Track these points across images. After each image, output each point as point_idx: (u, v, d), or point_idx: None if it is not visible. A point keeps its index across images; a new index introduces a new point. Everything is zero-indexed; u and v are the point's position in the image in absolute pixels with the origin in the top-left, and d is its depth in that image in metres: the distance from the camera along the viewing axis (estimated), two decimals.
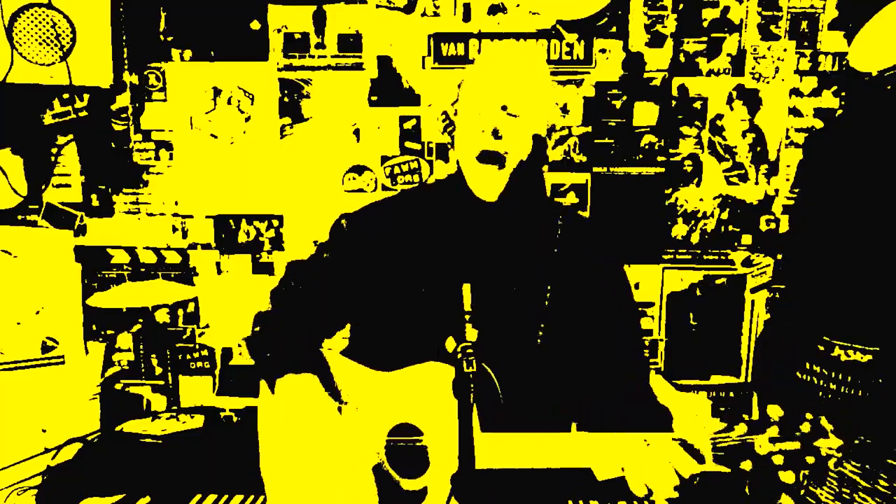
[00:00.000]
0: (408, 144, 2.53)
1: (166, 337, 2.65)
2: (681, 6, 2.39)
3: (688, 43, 2.41)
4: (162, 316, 2.64)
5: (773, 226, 2.47)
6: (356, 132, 2.54)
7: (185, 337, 2.65)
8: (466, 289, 1.13)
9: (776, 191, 2.46)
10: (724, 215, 2.48)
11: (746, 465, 1.14)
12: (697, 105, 2.44)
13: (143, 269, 2.62)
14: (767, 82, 2.41)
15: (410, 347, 1.33)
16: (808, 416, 1.14)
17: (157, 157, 2.58)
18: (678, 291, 2.52)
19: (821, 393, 2.17)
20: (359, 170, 2.55)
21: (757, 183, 2.46)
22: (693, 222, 2.49)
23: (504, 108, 1.34)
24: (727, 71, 2.41)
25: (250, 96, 2.54)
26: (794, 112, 2.41)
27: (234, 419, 2.62)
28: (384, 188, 2.55)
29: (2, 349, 2.57)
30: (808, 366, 2.23)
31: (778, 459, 1.12)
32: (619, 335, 1.46)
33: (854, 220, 2.27)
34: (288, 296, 1.51)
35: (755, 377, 2.52)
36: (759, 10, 2.37)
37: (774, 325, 2.49)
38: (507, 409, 1.28)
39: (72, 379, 2.62)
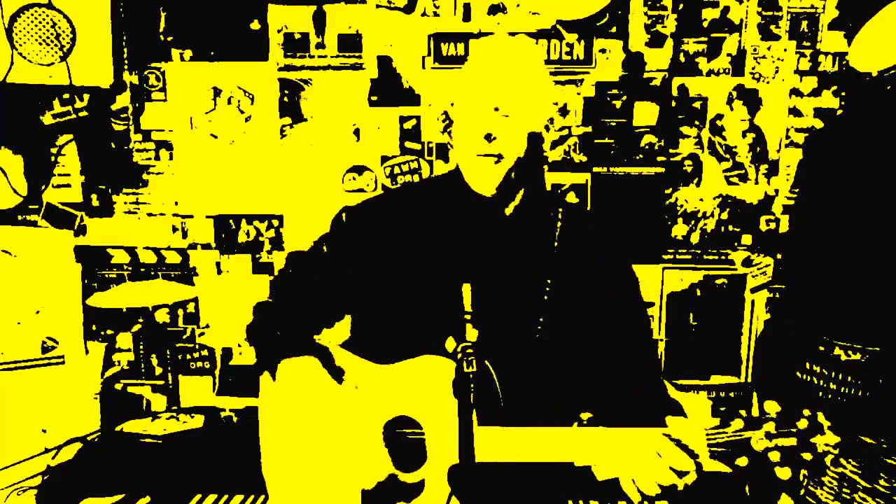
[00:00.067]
0: (408, 144, 2.53)
1: (166, 337, 2.65)
2: (681, 6, 2.39)
3: (688, 43, 2.41)
4: (162, 316, 2.64)
5: (773, 226, 2.47)
6: (356, 132, 2.54)
7: (185, 337, 2.64)
8: (466, 289, 1.13)
9: (776, 191, 2.46)
10: (724, 215, 2.48)
11: (742, 462, 1.14)
12: (697, 105, 2.44)
13: (143, 269, 2.62)
14: (767, 82, 2.41)
15: (409, 342, 1.34)
16: (806, 412, 1.14)
17: (157, 157, 2.58)
18: (678, 291, 2.52)
19: (821, 393, 2.17)
20: (359, 170, 2.56)
21: (757, 183, 2.46)
22: (693, 222, 2.49)
23: (496, 109, 1.33)
24: (727, 71, 2.41)
25: (250, 96, 2.54)
26: (794, 112, 2.41)
27: (234, 419, 2.62)
28: (384, 188, 2.55)
29: (2, 349, 2.57)
30: (808, 366, 2.23)
31: (774, 456, 1.12)
32: (629, 329, 1.46)
33: (854, 220, 2.27)
34: (287, 286, 1.53)
35: (755, 377, 2.52)
36: (759, 10, 2.37)
37: (774, 325, 2.49)
38: (507, 405, 1.28)
39: (72, 379, 2.62)
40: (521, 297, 1.40)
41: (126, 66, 2.54)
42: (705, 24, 2.40)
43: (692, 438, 1.17)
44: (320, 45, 2.50)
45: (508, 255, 1.42)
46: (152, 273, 2.61)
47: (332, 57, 2.50)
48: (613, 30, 2.42)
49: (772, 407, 1.16)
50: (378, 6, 2.46)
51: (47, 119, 2.54)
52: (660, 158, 2.47)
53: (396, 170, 2.54)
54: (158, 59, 2.53)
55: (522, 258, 1.42)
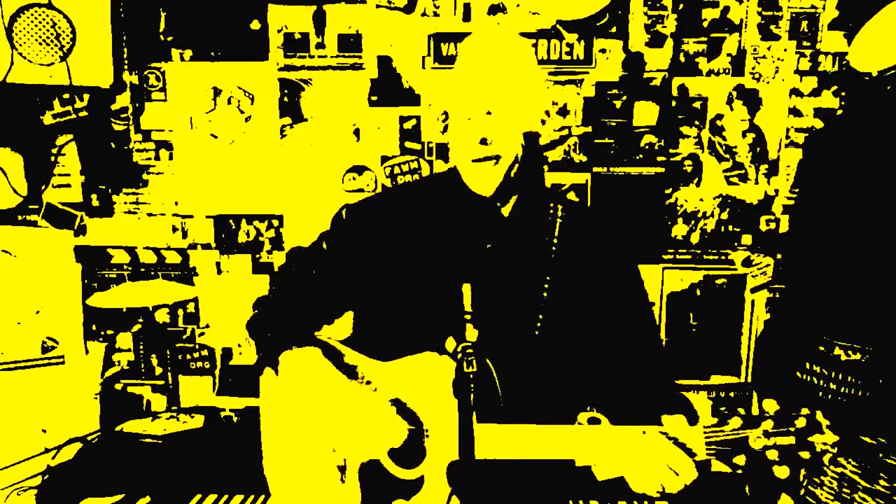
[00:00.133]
0: (408, 144, 2.53)
1: (166, 337, 2.65)
2: (681, 6, 2.39)
3: (688, 43, 2.41)
4: (162, 316, 2.64)
5: (773, 226, 2.47)
6: (356, 132, 2.54)
7: (185, 337, 2.64)
8: (466, 289, 1.13)
9: (776, 191, 2.46)
10: (724, 215, 2.48)
11: (740, 460, 1.14)
12: (697, 105, 2.44)
13: (143, 269, 2.62)
14: (767, 82, 2.41)
15: (409, 340, 1.34)
16: (804, 410, 1.13)
17: (157, 157, 2.58)
18: (678, 291, 2.52)
19: (821, 393, 2.17)
20: (359, 170, 2.56)
21: (757, 183, 2.46)
22: (693, 222, 2.49)
23: (489, 113, 1.32)
24: (727, 71, 2.41)
25: (250, 96, 2.54)
26: (794, 112, 2.41)
27: (234, 419, 2.62)
28: (384, 188, 2.55)
29: (2, 349, 2.57)
30: (808, 366, 2.23)
31: (773, 454, 1.12)
32: (635, 328, 1.46)
33: (854, 220, 2.27)
34: (288, 281, 1.53)
35: (755, 377, 2.52)
36: (759, 10, 2.37)
37: (774, 325, 2.49)
38: (507, 404, 1.28)
39: (72, 379, 2.62)
40: (519, 296, 1.40)
41: (126, 66, 2.54)
42: (705, 24, 2.40)
43: (690, 437, 1.17)
44: (320, 45, 2.50)
45: (508, 254, 1.42)
46: (152, 273, 2.61)
47: (332, 57, 2.50)
48: (613, 30, 2.42)
49: (770, 405, 1.16)
50: (378, 6, 2.46)
51: (47, 119, 2.54)
52: (660, 158, 2.47)
53: (396, 170, 2.54)
54: (158, 59, 2.53)
55: (522, 257, 1.42)
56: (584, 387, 1.45)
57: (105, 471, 2.06)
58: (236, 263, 2.61)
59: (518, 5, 2.42)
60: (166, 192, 2.60)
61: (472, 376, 1.07)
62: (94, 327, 2.65)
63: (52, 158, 2.57)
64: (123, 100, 2.56)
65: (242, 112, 2.55)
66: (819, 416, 1.12)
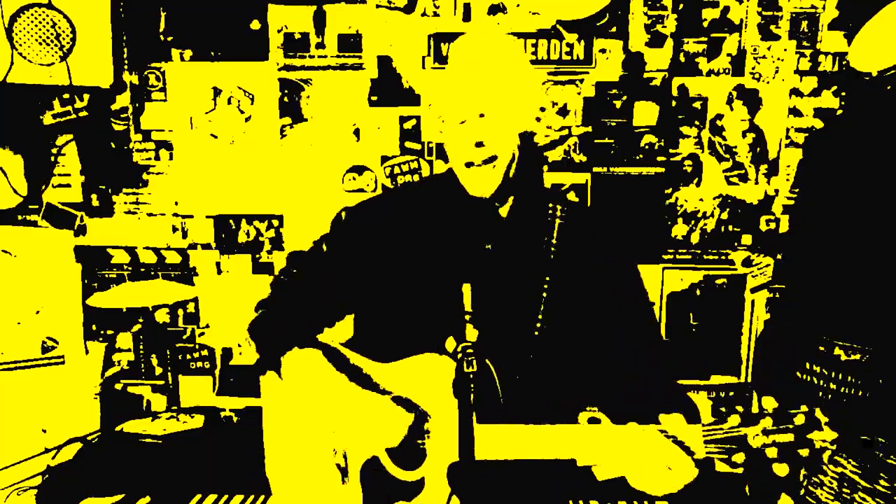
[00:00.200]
0: (408, 144, 2.53)
1: (166, 337, 2.65)
2: (681, 6, 2.39)
3: (688, 43, 2.41)
4: (162, 316, 2.64)
5: (773, 226, 2.47)
6: (356, 132, 2.54)
7: (185, 337, 2.64)
8: (466, 289, 1.13)
9: (776, 191, 2.46)
10: (724, 215, 2.48)
11: (739, 458, 1.14)
12: (697, 105, 2.44)
13: (143, 269, 2.62)
14: (767, 82, 2.41)
15: (410, 341, 1.34)
16: (803, 407, 1.13)
17: (157, 157, 2.58)
18: (678, 291, 2.52)
19: (821, 393, 2.17)
20: (359, 170, 2.56)
21: (757, 183, 2.46)
22: (693, 222, 2.49)
23: (482, 115, 1.32)
24: (727, 71, 2.41)
25: (250, 96, 2.54)
26: (794, 112, 2.41)
27: (234, 419, 2.62)
28: (384, 188, 2.55)
29: (2, 349, 2.57)
30: (808, 366, 2.23)
31: (771, 452, 1.12)
32: (637, 328, 1.46)
33: (854, 220, 2.27)
34: (288, 284, 1.53)
35: (755, 377, 2.52)
36: (759, 10, 2.37)
37: (774, 325, 2.49)
38: (507, 404, 1.28)
39: (72, 379, 2.62)
40: (519, 297, 1.40)
41: (126, 66, 2.54)
42: (705, 24, 2.40)
43: (688, 436, 1.17)
44: (320, 45, 2.50)
45: (507, 255, 1.42)
46: (152, 273, 2.61)
47: (332, 57, 2.50)
48: (613, 30, 2.42)
49: (769, 403, 1.16)
50: (378, 6, 2.46)
51: (47, 119, 2.54)
52: (660, 158, 2.47)
53: (396, 170, 2.54)
54: (158, 59, 2.53)
55: (521, 257, 1.42)
56: (584, 387, 1.45)
57: (105, 471, 2.06)
58: (236, 263, 2.61)
59: (518, 5, 2.42)
60: (166, 192, 2.60)
61: (472, 376, 1.07)
62: (94, 327, 2.65)
63: (52, 158, 2.57)
64: (123, 100, 2.56)
65: (242, 112, 2.55)
66: (818, 412, 1.12)
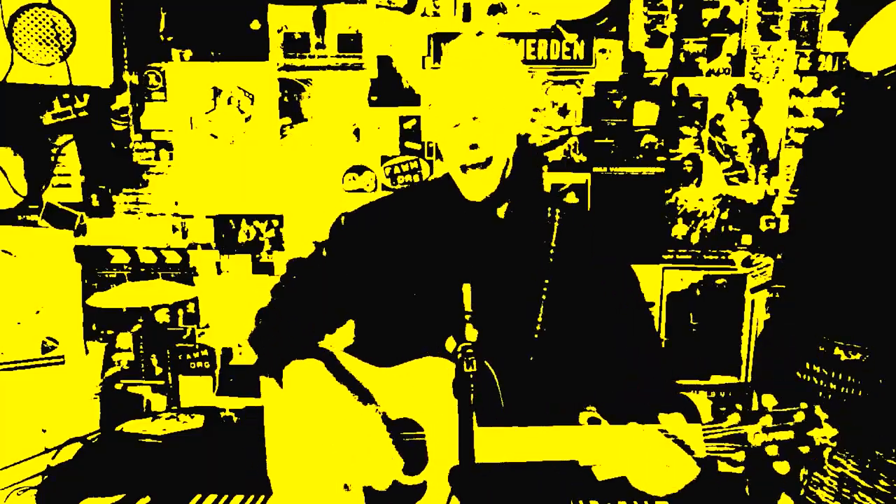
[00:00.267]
0: (408, 144, 2.53)
1: (166, 337, 2.65)
2: (681, 6, 2.39)
3: (688, 43, 2.41)
4: (162, 316, 2.64)
5: (773, 226, 2.47)
6: (356, 132, 2.54)
7: (185, 337, 2.64)
8: (466, 289, 1.13)
9: (776, 191, 2.46)
10: (724, 215, 2.48)
11: (739, 456, 1.14)
12: (697, 105, 2.44)
13: (143, 269, 2.62)
14: (767, 82, 2.41)
15: (410, 345, 1.34)
16: (803, 405, 1.13)
17: (157, 157, 2.58)
18: (678, 291, 2.52)
19: (821, 393, 2.17)
20: (359, 170, 2.56)
21: (757, 183, 2.46)
22: (693, 222, 2.49)
23: (475, 118, 1.32)
24: (727, 71, 2.41)
25: (250, 96, 2.54)
26: (794, 112, 2.41)
27: (234, 419, 2.62)
28: (384, 188, 2.55)
29: (2, 349, 2.57)
30: (808, 366, 2.23)
31: (772, 450, 1.12)
32: (633, 328, 1.46)
33: (854, 220, 2.27)
34: (288, 292, 1.53)
35: (755, 377, 2.52)
36: (759, 10, 2.37)
37: (774, 325, 2.49)
38: (507, 406, 1.28)
39: (72, 379, 2.62)
40: (517, 299, 1.39)
41: (126, 66, 2.54)
42: (705, 24, 2.40)
43: (688, 435, 1.17)
44: (320, 45, 2.50)
45: (504, 257, 1.42)
46: (152, 273, 2.61)
47: (332, 57, 2.50)
48: (613, 30, 2.42)
49: (769, 401, 1.16)
50: (378, 6, 2.46)
51: (47, 119, 2.54)
52: (660, 158, 2.47)
53: (396, 170, 2.54)
54: (158, 59, 2.53)
55: (518, 259, 1.42)
56: (583, 388, 1.45)
57: (105, 471, 2.06)
58: (236, 263, 2.61)
59: (518, 5, 2.42)
60: (166, 192, 2.60)
61: (471, 376, 1.07)
62: (94, 327, 2.65)
63: (52, 158, 2.57)
64: (123, 100, 2.56)
65: (242, 112, 2.55)
66: (818, 410, 1.12)
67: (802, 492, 1.86)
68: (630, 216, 2.50)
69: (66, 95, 2.53)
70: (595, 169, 2.49)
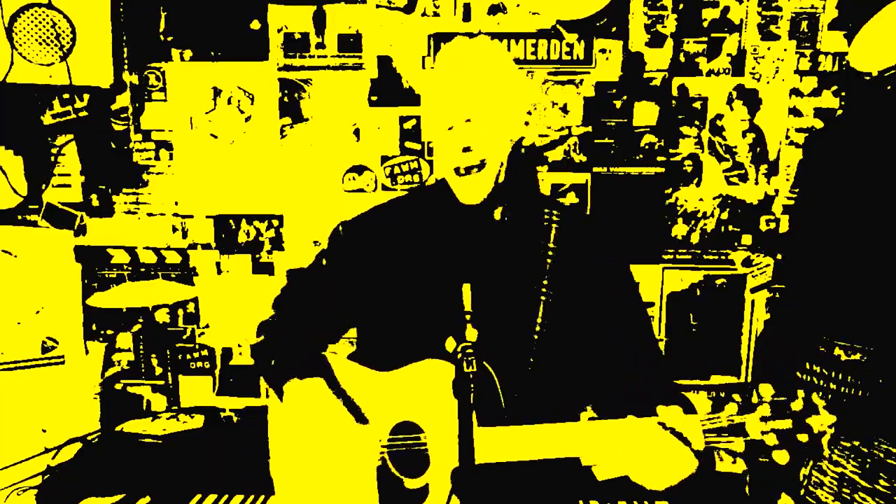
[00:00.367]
0: (408, 144, 2.53)
1: (166, 337, 2.65)
2: (681, 6, 2.39)
3: (688, 43, 2.41)
4: (162, 316, 2.64)
5: (773, 226, 2.47)
6: (356, 132, 2.54)
7: (185, 337, 2.64)
8: (466, 289, 1.13)
9: (776, 191, 2.46)
10: (724, 215, 2.48)
11: (738, 447, 1.13)
12: (697, 105, 2.44)
13: (143, 269, 2.62)
14: (767, 82, 2.41)
15: (412, 349, 1.34)
16: (800, 393, 1.13)
17: (157, 157, 2.58)
18: (678, 291, 2.52)
19: (821, 393, 2.17)
20: (359, 170, 2.56)
21: (757, 183, 2.46)
22: (693, 222, 2.49)
23: (468, 121, 1.32)
24: (727, 71, 2.41)
25: (250, 96, 2.54)
26: (794, 112, 2.41)
27: (234, 419, 2.62)
28: (384, 188, 2.55)
29: (2, 349, 2.57)
30: (808, 366, 2.23)
31: (770, 439, 1.11)
32: (631, 329, 1.45)
33: (854, 220, 2.27)
34: (290, 303, 1.54)
35: (755, 377, 2.52)
36: (759, 10, 2.37)
37: (774, 325, 2.49)
38: (508, 407, 1.28)
39: (72, 379, 2.62)
40: (516, 301, 1.39)
41: (126, 66, 2.54)
42: (705, 24, 2.40)
43: (687, 427, 1.17)
44: (320, 45, 2.50)
45: (502, 259, 1.42)
46: (152, 273, 2.61)
47: (332, 57, 2.50)
48: (613, 30, 2.42)
49: (766, 391, 1.15)
50: (378, 6, 2.46)
51: (47, 119, 2.54)
52: (660, 158, 2.47)
53: (396, 170, 2.54)
54: (158, 59, 2.53)
55: (516, 261, 1.42)
56: (583, 388, 1.45)
57: (105, 471, 2.06)
58: (236, 263, 2.61)
59: (518, 5, 2.42)
60: (166, 192, 2.60)
61: (471, 376, 1.07)
62: (94, 327, 2.65)
63: (52, 158, 2.57)
64: (123, 100, 2.56)
65: (242, 112, 2.55)
66: (815, 397, 1.12)
67: (802, 492, 1.86)
68: (630, 216, 2.50)
69: (66, 95, 2.53)
70: (595, 169, 2.49)
